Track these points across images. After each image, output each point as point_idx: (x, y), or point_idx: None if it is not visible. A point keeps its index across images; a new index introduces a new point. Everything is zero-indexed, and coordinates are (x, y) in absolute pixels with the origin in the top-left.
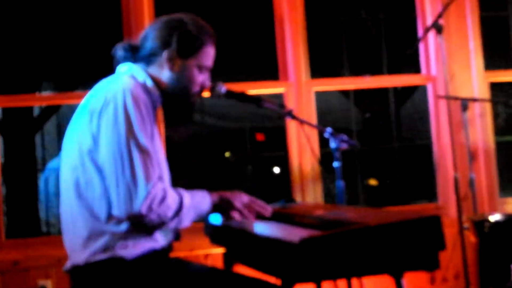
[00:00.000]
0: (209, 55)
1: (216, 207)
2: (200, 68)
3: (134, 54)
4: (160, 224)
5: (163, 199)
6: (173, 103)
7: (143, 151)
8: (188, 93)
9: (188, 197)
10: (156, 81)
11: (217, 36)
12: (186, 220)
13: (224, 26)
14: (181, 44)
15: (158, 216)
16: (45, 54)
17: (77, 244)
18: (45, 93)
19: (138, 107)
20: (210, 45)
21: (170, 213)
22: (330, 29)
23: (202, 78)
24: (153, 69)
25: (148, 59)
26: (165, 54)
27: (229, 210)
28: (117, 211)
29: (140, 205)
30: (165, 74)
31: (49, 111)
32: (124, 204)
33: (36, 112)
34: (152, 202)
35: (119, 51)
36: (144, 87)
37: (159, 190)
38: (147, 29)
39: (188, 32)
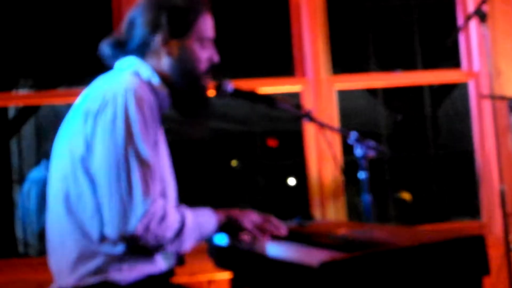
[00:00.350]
0: (207, 25)
1: (223, 227)
2: (201, 42)
3: (123, 49)
4: (157, 247)
5: (163, 218)
6: (183, 94)
7: (143, 163)
8: (197, 75)
9: (191, 216)
10: (160, 75)
11: (221, 24)
12: (188, 243)
13: (230, 13)
14: (172, 23)
15: (155, 238)
16: (23, 47)
17: (65, 266)
18: (23, 92)
19: (141, 111)
20: (205, 13)
21: (169, 234)
22: (354, 16)
23: (207, 53)
24: (151, 61)
25: (141, 51)
26: (158, 39)
27: (238, 231)
28: (109, 230)
29: (135, 224)
30: (164, 63)
31: (27, 112)
32: (117, 222)
33: (11, 113)
34: (149, 222)
35: (105, 49)
36: (149, 85)
37: (158, 208)
38: (130, 15)
39: (177, 6)
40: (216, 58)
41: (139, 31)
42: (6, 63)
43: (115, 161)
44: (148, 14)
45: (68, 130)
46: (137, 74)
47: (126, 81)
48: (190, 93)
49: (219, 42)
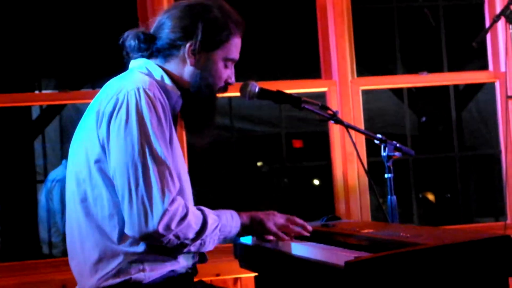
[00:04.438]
0: (236, 46)
1: (246, 230)
2: (226, 61)
3: (149, 45)
4: (180, 246)
5: (184, 217)
6: (193, 104)
7: (160, 162)
8: (212, 91)
9: (213, 216)
10: (175, 79)
11: (247, 26)
12: (210, 243)
13: (256, 14)
14: (206, 35)
15: (177, 237)
16: (46, 46)
17: (86, 268)
18: (46, 92)
19: (154, 109)
20: (238, 35)
21: (191, 234)
22: (380, 18)
23: (227, 73)
24: (172, 65)
25: (166, 53)
26: (187, 47)
27: (262, 233)
28: (130, 231)
29: (156, 223)
30: (187, 70)
31: (51, 112)
32: (138, 222)
33: (35, 113)
34: (170, 221)
35: (130, 40)
36: (161, 86)
37: (180, 207)
38: (163, 16)
39: (214, 20)
40: (233, 80)
41: (170, 34)
42: (28, 63)
43: (131, 161)
44: (184, 20)
45: (83, 132)
46: (149, 74)
47: (137, 80)
48: (199, 106)
49: (246, 43)
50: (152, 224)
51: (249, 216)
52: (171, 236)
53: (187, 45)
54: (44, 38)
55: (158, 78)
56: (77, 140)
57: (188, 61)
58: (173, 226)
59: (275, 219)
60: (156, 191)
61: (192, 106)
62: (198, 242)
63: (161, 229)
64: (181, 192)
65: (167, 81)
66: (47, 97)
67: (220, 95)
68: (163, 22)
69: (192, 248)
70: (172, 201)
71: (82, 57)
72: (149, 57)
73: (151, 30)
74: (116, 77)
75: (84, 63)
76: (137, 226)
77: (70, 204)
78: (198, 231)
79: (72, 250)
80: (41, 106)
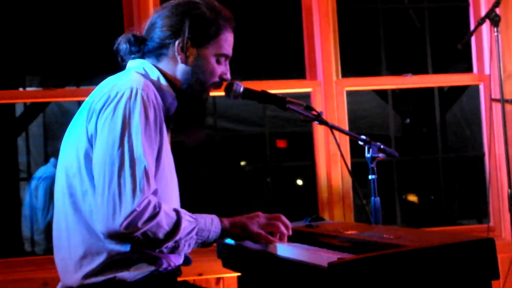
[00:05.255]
0: (228, 42)
1: (228, 234)
2: (218, 57)
3: (140, 47)
4: (151, 246)
5: (153, 216)
6: (185, 102)
7: (137, 161)
8: (206, 87)
9: (189, 219)
10: (171, 80)
11: (235, 23)
12: (185, 245)
13: (241, 15)
14: (194, 31)
15: (145, 236)
16: (30, 43)
17: (71, 264)
18: (30, 89)
19: (144, 109)
20: (228, 31)
21: (161, 234)
22: (365, 19)
23: (221, 69)
24: (165, 64)
25: (157, 53)
26: (176, 44)
27: (247, 237)
28: (98, 226)
29: (121, 221)
30: (179, 68)
31: (34, 109)
32: (106, 218)
33: (19, 110)
34: (137, 219)
35: (122, 44)
36: (157, 86)
37: (150, 206)
38: (153, 16)
39: (202, 16)
40: (228, 76)
41: (159, 33)
42: (13, 61)
43: (109, 157)
44: (172, 18)
45: (75, 128)
46: (145, 74)
47: (132, 80)
48: (190, 105)
49: (234, 41)
50: (118, 222)
51: (231, 221)
52: (138, 235)
53: (176, 42)
54: (28, 35)
55: (155, 78)
56: (69, 135)
57: (178, 59)
58: (139, 224)
59: (258, 221)
60: (128, 190)
61: (185, 105)
62: (171, 243)
63: (126, 227)
64: (162, 195)
65: (163, 82)
66: (31, 94)
67: (214, 93)
68: (154, 23)
69: (165, 250)
70: (143, 201)
71: (66, 55)
72: (142, 58)
73: (144, 32)
74: (112, 76)
75: (69, 61)
76: (105, 222)
77: (59, 199)
78: (169, 232)
79: (58, 245)
80: (25, 103)
